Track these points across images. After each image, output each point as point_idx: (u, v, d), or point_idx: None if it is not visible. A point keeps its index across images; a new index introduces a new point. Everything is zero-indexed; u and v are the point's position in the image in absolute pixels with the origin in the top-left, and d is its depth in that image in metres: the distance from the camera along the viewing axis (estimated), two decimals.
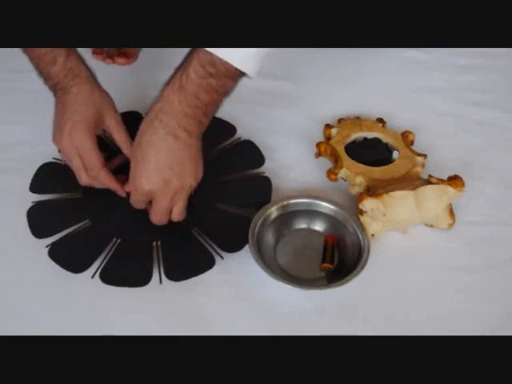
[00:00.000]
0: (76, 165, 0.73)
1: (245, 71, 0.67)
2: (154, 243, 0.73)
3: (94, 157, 0.73)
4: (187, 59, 0.67)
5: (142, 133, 0.68)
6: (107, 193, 0.78)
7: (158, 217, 0.71)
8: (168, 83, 0.68)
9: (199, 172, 0.70)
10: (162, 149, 0.67)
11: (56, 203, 0.78)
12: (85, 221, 0.75)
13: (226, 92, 0.69)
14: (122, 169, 0.76)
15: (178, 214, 0.71)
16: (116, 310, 0.68)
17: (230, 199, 0.78)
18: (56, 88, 0.74)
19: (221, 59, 0.65)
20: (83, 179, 0.74)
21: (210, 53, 0.65)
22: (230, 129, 0.88)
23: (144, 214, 0.75)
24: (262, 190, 0.80)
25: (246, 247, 0.72)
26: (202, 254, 0.72)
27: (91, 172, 0.73)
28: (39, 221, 0.75)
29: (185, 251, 0.73)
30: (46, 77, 0.74)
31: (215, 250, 0.73)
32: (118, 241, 0.73)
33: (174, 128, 0.67)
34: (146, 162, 0.67)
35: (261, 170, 0.82)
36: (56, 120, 0.74)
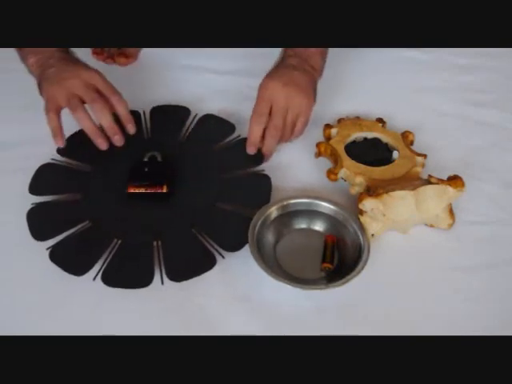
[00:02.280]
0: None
1: None
2: (155, 243, 0.73)
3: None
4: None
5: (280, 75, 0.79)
6: (107, 193, 0.78)
7: (279, 125, 0.80)
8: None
9: None
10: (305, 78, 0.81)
11: (55, 205, 0.78)
12: (85, 222, 0.75)
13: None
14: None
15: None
16: (117, 312, 0.68)
17: (230, 197, 0.78)
18: (37, 65, 0.73)
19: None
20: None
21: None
22: (228, 127, 0.87)
23: (143, 213, 0.76)
24: (263, 187, 0.80)
25: (246, 247, 0.72)
26: (203, 253, 0.72)
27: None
28: (39, 223, 0.75)
29: (185, 250, 0.73)
30: (25, 56, 0.73)
31: (216, 249, 0.73)
32: (119, 242, 0.73)
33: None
34: (298, 85, 0.80)
35: (260, 168, 0.82)
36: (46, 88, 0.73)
